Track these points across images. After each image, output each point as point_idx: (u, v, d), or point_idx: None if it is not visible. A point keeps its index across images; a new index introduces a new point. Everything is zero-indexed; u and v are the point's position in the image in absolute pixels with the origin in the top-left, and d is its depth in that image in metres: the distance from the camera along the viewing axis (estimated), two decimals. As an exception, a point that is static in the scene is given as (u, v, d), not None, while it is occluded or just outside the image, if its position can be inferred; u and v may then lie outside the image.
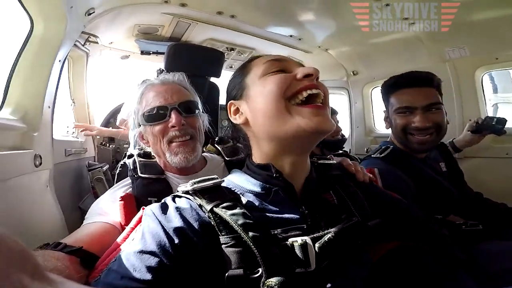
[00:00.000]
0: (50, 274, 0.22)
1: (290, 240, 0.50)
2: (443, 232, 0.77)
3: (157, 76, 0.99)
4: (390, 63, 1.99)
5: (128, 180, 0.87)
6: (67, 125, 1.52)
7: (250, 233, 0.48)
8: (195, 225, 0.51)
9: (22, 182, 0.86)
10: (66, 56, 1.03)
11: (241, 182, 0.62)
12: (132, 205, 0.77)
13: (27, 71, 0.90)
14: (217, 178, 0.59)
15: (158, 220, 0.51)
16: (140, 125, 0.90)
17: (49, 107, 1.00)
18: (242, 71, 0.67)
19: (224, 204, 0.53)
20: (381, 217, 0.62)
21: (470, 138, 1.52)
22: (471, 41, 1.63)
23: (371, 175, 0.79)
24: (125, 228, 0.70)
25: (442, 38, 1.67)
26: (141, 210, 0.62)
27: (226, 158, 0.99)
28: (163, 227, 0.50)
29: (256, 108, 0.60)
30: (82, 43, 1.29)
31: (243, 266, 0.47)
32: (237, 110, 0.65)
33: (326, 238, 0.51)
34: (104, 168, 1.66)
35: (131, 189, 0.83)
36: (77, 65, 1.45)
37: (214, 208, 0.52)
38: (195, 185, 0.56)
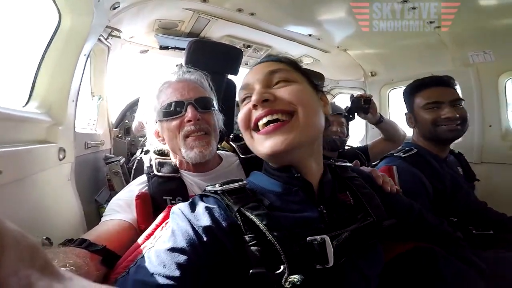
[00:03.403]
0: (61, 269, 0.22)
1: (310, 238, 0.52)
2: (457, 235, 0.77)
3: (178, 70, 0.99)
4: (410, 66, 1.96)
5: (144, 178, 0.88)
6: (89, 118, 1.52)
7: (275, 233, 0.50)
8: (223, 224, 0.53)
9: (47, 176, 0.87)
10: (91, 50, 1.03)
11: (262, 183, 0.63)
12: (148, 203, 0.78)
13: (53, 65, 0.90)
14: (242, 180, 0.62)
15: (188, 218, 0.53)
16: (156, 122, 0.91)
17: (73, 100, 1.00)
18: None
19: (249, 205, 0.55)
20: (396, 217, 0.64)
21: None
22: (497, 46, 1.58)
23: (398, 188, 0.79)
24: (141, 225, 0.73)
25: (467, 42, 1.63)
26: (166, 208, 0.63)
27: (241, 156, 0.99)
28: (192, 225, 0.52)
29: None
30: (105, 37, 1.29)
31: (265, 264, 0.49)
32: None
33: (343, 236, 0.55)
34: (121, 161, 1.68)
35: (147, 187, 0.84)
36: (98, 59, 1.46)
37: (241, 209, 0.54)
38: (224, 186, 0.59)
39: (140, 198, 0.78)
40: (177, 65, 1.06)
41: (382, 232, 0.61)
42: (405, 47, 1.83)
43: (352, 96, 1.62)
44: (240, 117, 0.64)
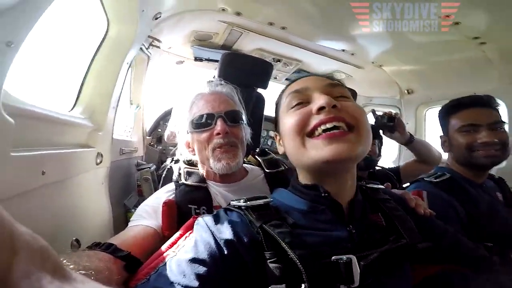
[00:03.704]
0: (72, 272, 0.23)
1: (335, 257, 0.52)
2: (493, 259, 0.74)
3: (210, 82, 1.02)
4: (451, 84, 1.83)
5: (172, 186, 0.90)
6: (126, 125, 1.59)
7: (297, 251, 0.50)
8: (245, 239, 0.53)
9: (83, 179, 0.90)
10: (133, 58, 1.07)
11: (288, 201, 0.64)
12: (174, 211, 0.80)
13: (99, 71, 0.95)
14: (267, 197, 0.63)
15: (211, 230, 0.54)
16: (188, 133, 0.94)
17: (113, 107, 1.04)
18: (278, 101, 0.70)
19: (272, 222, 0.55)
20: (430, 240, 0.63)
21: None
22: None
23: (432, 211, 0.76)
24: (165, 232, 0.76)
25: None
26: (191, 219, 0.64)
27: (266, 170, 1.00)
28: (214, 237, 0.53)
29: (284, 143, 0.65)
30: (146, 47, 1.36)
31: (285, 281, 0.49)
32: (280, 140, 0.69)
33: (371, 256, 0.53)
34: (152, 169, 1.72)
35: (174, 195, 0.86)
36: (138, 68, 1.54)
37: (263, 225, 0.54)
38: (248, 202, 0.60)
39: (167, 205, 0.80)
40: (208, 81, 1.11)
41: (415, 255, 0.60)
42: (444, 64, 1.73)
43: (374, 112, 1.54)
44: (294, 121, 0.60)
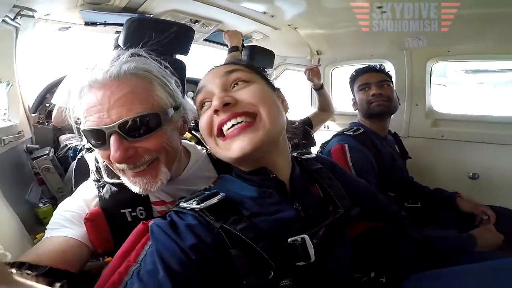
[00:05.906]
0: (18, 277, 0.23)
1: (291, 239, 0.55)
2: (402, 214, 0.87)
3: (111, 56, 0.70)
4: (353, 47, 2.05)
5: (93, 187, 0.73)
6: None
7: (260, 244, 0.53)
8: (208, 240, 0.52)
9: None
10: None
11: (238, 189, 0.63)
12: (102, 223, 0.67)
13: None
14: (218, 192, 0.59)
15: (172, 238, 0.51)
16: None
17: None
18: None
19: (231, 220, 0.55)
20: (356, 202, 0.70)
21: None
22: (430, 32, 1.66)
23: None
24: (99, 249, 0.66)
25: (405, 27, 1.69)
26: (140, 225, 0.58)
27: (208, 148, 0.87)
28: (178, 245, 0.50)
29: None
30: (12, 18, 0.99)
31: (256, 273, 0.52)
32: None
33: (320, 232, 0.58)
34: (51, 155, 1.44)
35: (97, 198, 0.70)
36: (4, 42, 1.16)
37: (224, 225, 0.54)
38: (202, 204, 0.56)
39: (90, 220, 0.66)
40: (115, 47, 0.84)
41: (350, 220, 0.67)
42: (350, 29, 1.87)
43: None
44: (202, 124, 0.63)
